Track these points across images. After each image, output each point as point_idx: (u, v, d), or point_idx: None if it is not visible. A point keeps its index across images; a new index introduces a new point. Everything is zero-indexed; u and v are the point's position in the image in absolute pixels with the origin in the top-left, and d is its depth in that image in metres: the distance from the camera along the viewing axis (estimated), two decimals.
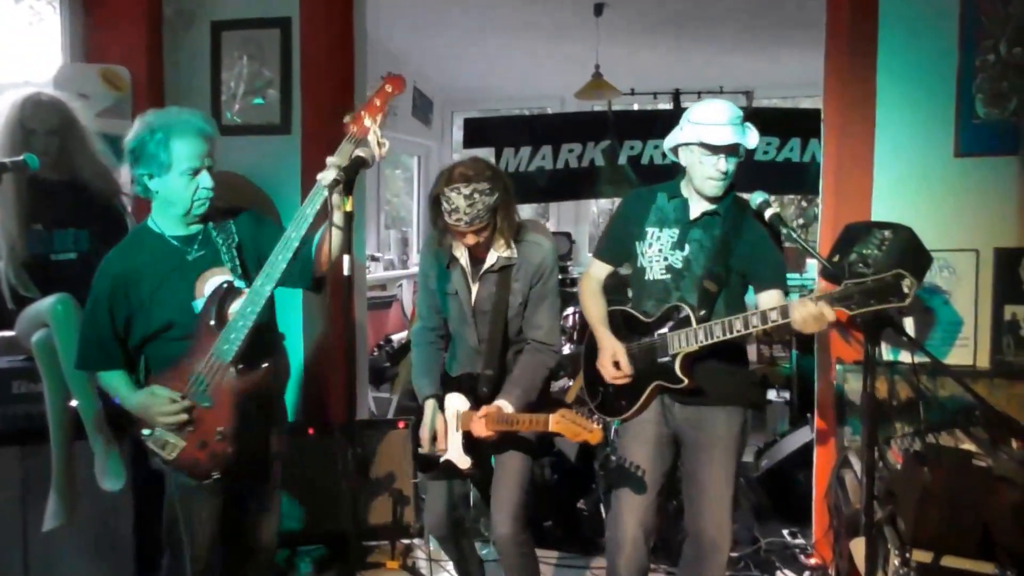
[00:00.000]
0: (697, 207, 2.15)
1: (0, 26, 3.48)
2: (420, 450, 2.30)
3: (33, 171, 2.20)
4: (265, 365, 1.92)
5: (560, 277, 5.00)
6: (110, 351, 2.01)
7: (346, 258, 1.70)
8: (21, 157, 2.16)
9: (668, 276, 2.14)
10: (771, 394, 5.01)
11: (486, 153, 5.49)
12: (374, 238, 5.84)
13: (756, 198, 2.08)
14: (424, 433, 2.25)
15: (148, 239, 2.01)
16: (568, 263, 5.86)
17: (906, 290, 1.66)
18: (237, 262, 1.99)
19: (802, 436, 3.65)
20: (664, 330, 2.09)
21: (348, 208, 1.70)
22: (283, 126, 3.33)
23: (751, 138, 2.05)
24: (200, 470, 1.95)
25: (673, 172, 2.27)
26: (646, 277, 2.18)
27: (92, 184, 2.52)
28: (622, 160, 5.41)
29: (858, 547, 2.01)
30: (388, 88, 1.81)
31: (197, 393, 1.92)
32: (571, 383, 3.86)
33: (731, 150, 2.04)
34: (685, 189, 2.18)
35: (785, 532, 3.27)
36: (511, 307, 2.22)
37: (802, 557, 3.06)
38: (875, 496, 1.98)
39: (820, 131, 3.07)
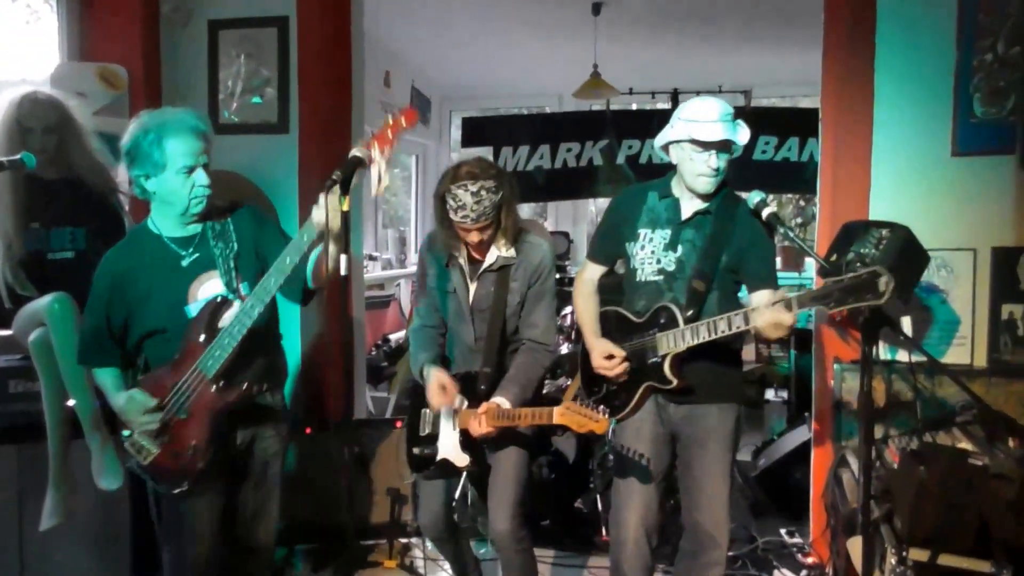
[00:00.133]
0: (688, 207, 2.14)
1: None
2: (415, 450, 2.31)
3: (30, 169, 2.20)
4: (244, 386, 1.94)
5: (558, 276, 5.02)
6: (106, 348, 2.03)
7: (343, 258, 1.70)
8: (18, 155, 2.16)
9: (660, 278, 2.14)
10: (769, 393, 5.02)
11: (484, 152, 5.49)
12: (372, 237, 5.84)
13: (754, 197, 2.08)
14: (433, 389, 2.21)
15: (146, 239, 2.01)
16: (566, 263, 5.86)
17: (882, 288, 1.67)
18: (233, 272, 1.99)
19: (800, 435, 3.65)
20: (653, 331, 2.09)
21: (345, 208, 1.70)
22: (280, 125, 3.33)
23: (742, 135, 2.05)
24: (169, 479, 1.97)
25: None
26: (638, 278, 2.18)
27: (89, 182, 2.52)
28: (620, 159, 5.42)
29: (855, 546, 2.01)
30: (401, 120, 1.79)
31: (176, 404, 1.94)
32: (569, 382, 3.86)
33: (722, 147, 2.04)
34: (676, 188, 2.17)
35: (783, 531, 3.27)
36: (509, 306, 2.23)
37: (799, 556, 3.07)
38: (872, 495, 1.98)
39: (818, 130, 3.08)
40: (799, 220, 8.26)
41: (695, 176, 2.07)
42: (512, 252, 2.21)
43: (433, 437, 2.28)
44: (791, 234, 2.03)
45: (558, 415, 1.94)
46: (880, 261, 2.40)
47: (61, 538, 2.43)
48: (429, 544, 2.93)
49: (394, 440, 3.17)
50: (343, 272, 1.71)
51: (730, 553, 3.05)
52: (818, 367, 3.04)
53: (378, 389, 4.95)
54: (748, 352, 4.97)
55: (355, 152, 1.78)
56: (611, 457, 2.69)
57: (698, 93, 5.65)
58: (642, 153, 5.44)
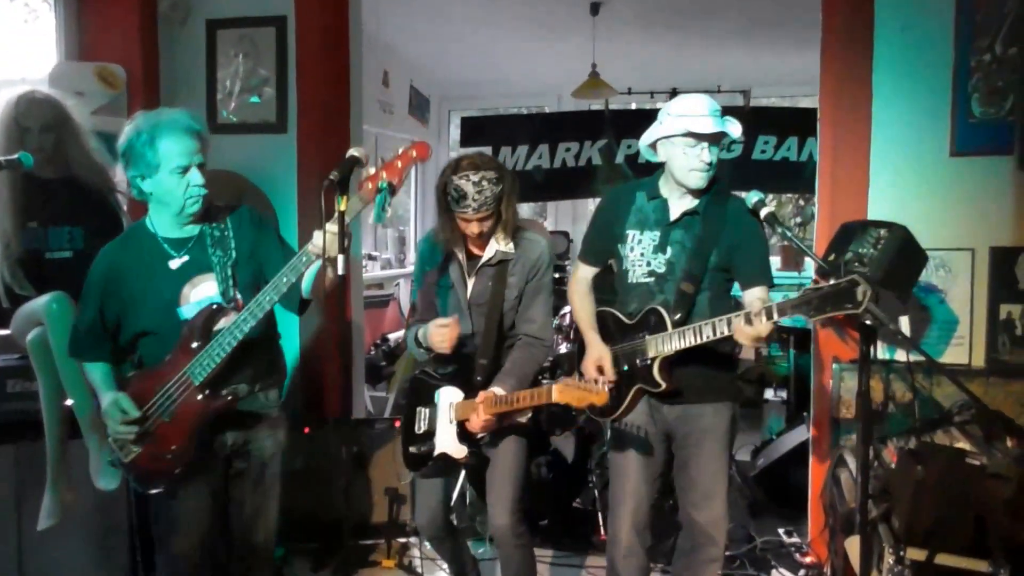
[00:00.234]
0: (677, 207, 2.14)
1: None
2: (411, 448, 2.31)
3: (27, 169, 2.20)
4: (230, 397, 1.95)
5: (558, 276, 5.03)
6: (98, 343, 2.03)
7: (340, 257, 1.70)
8: (15, 155, 2.16)
9: (651, 280, 2.14)
10: (768, 393, 5.02)
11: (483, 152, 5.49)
12: (371, 237, 5.84)
13: (752, 197, 2.08)
14: (433, 330, 2.17)
15: (142, 237, 2.02)
16: (566, 262, 5.86)
17: (860, 297, 1.68)
18: (230, 280, 1.99)
19: (799, 435, 3.66)
20: (643, 334, 2.09)
21: (342, 208, 1.69)
22: (279, 124, 3.33)
23: (735, 128, 2.05)
24: (146, 480, 2.00)
25: None
26: (629, 280, 2.18)
27: (87, 182, 2.52)
28: (619, 159, 5.42)
29: (853, 545, 2.01)
30: (412, 153, 1.79)
31: (161, 406, 1.95)
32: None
33: (715, 140, 2.04)
34: (664, 188, 2.17)
35: (781, 530, 3.27)
36: (506, 300, 2.24)
37: (797, 555, 3.07)
38: (870, 494, 1.98)
39: (817, 130, 3.08)
40: (798, 220, 8.25)
41: (688, 171, 2.06)
42: (511, 247, 2.23)
43: (430, 434, 2.29)
44: (789, 234, 2.03)
45: (557, 392, 1.94)
46: (878, 261, 2.41)
47: (59, 538, 2.43)
48: (427, 544, 2.94)
49: (392, 439, 3.17)
50: (340, 272, 1.71)
51: (729, 553, 3.07)
52: (816, 367, 3.05)
53: (377, 388, 4.96)
54: (748, 351, 4.96)
55: (352, 152, 1.78)
56: (609, 456, 2.69)
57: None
58: (641, 153, 5.45)
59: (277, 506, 2.16)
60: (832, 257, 2.54)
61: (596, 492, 3.29)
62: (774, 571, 3.01)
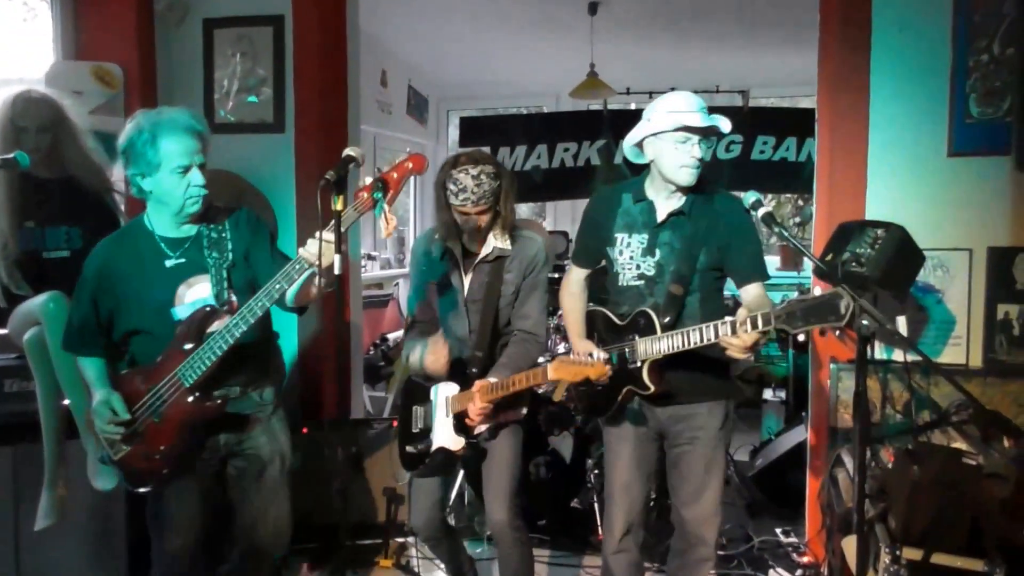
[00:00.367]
0: (663, 208, 2.13)
1: None
2: (408, 448, 2.31)
3: (24, 168, 2.19)
4: (218, 401, 1.96)
5: (557, 276, 5.02)
6: (90, 337, 2.04)
7: (337, 257, 1.70)
8: (11, 154, 2.16)
9: (641, 282, 2.14)
10: (767, 393, 5.02)
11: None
12: (370, 237, 5.84)
13: (749, 197, 2.08)
14: (428, 353, 2.24)
15: (139, 235, 2.02)
16: (565, 262, 5.85)
17: (843, 310, 1.69)
18: (225, 283, 1.99)
19: (797, 435, 3.66)
20: (632, 336, 2.08)
21: (339, 207, 1.70)
22: (276, 124, 3.32)
23: (724, 124, 2.05)
24: (134, 478, 2.01)
25: None
26: (620, 282, 2.18)
27: (84, 181, 2.52)
28: (618, 159, 5.41)
29: (850, 545, 2.01)
30: (408, 165, 1.79)
31: (152, 406, 1.96)
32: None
33: (703, 136, 2.04)
34: (650, 190, 2.16)
35: (778, 530, 3.27)
36: (503, 296, 2.26)
37: (795, 555, 3.07)
38: (867, 494, 1.98)
39: (815, 130, 3.08)
40: (797, 220, 8.25)
41: (678, 167, 2.05)
42: (508, 244, 2.25)
43: (426, 431, 2.30)
44: (786, 234, 2.02)
45: (552, 370, 1.94)
46: (876, 261, 2.41)
47: (56, 538, 2.43)
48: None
49: (390, 440, 3.17)
50: (337, 271, 1.71)
51: (726, 552, 3.07)
52: (814, 367, 3.05)
53: (376, 389, 4.95)
54: None
55: (349, 152, 1.78)
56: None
57: (695, 93, 5.69)
58: (625, 153, 5.45)
59: (287, 507, 2.15)
60: (830, 257, 2.54)
61: (595, 492, 3.29)
62: (771, 571, 3.01)
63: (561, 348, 4.04)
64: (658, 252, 2.12)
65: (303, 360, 3.38)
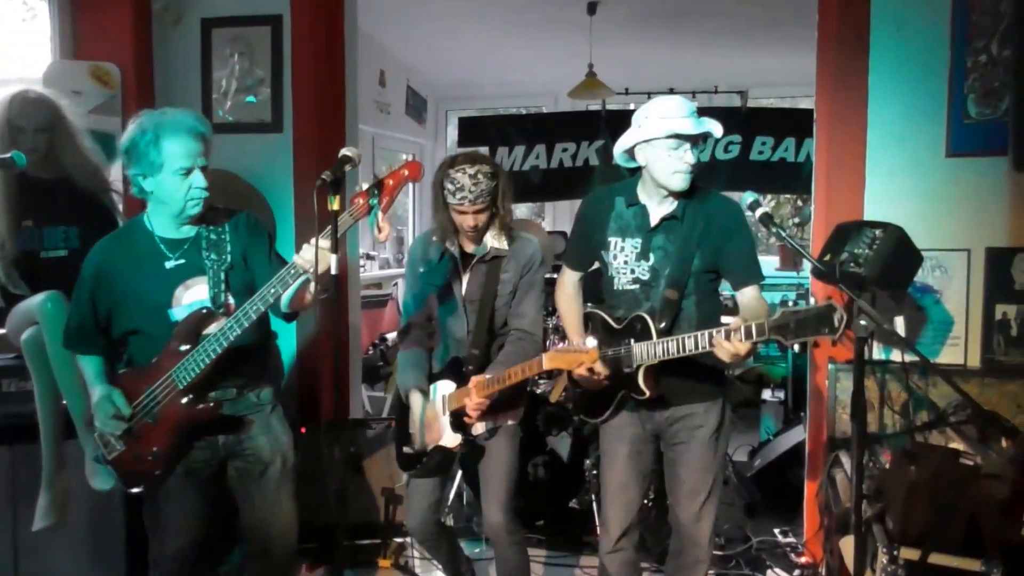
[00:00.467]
0: (656, 212, 2.12)
1: None
2: (404, 449, 2.31)
3: (21, 168, 2.19)
4: (212, 404, 1.96)
5: (556, 276, 5.01)
6: (88, 336, 2.04)
7: (333, 257, 1.70)
8: (8, 154, 2.16)
9: (636, 287, 2.14)
10: (766, 393, 5.02)
11: (480, 152, 5.49)
12: (369, 236, 5.84)
13: (747, 198, 2.08)
14: (414, 422, 2.26)
15: (138, 235, 2.02)
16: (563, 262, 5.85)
17: (836, 323, 1.70)
18: (222, 285, 1.99)
19: (795, 435, 3.66)
20: (629, 340, 2.08)
21: (335, 207, 1.70)
22: (274, 124, 3.32)
23: (716, 128, 2.04)
24: (127, 478, 2.02)
25: None
26: (615, 286, 2.18)
27: (82, 181, 2.52)
28: (616, 160, 5.41)
29: (847, 545, 2.01)
30: (404, 172, 1.80)
31: (146, 407, 1.96)
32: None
33: (695, 142, 2.04)
34: (642, 194, 2.15)
35: (776, 531, 3.28)
36: (500, 296, 2.27)
37: (793, 555, 3.07)
38: (865, 494, 1.98)
39: (813, 131, 3.08)
40: (796, 220, 8.25)
41: (671, 174, 2.04)
42: (504, 244, 2.27)
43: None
44: (783, 234, 2.02)
45: (547, 360, 1.95)
46: (873, 261, 2.41)
47: (54, 539, 2.43)
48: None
49: (389, 440, 3.17)
50: (332, 271, 1.71)
51: (725, 552, 3.08)
52: (813, 367, 3.05)
53: (375, 389, 4.95)
54: None
55: (345, 152, 1.79)
56: None
57: (694, 94, 5.70)
58: (615, 158, 5.44)
59: (291, 506, 2.15)
60: (827, 257, 2.54)
61: (593, 493, 3.29)
62: (769, 571, 3.01)
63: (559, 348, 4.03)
64: (652, 256, 2.12)
65: (301, 360, 3.38)
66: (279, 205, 3.25)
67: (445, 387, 2.27)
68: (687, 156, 2.03)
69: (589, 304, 2.38)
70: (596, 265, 2.28)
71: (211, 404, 1.96)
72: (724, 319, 2.30)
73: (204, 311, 1.95)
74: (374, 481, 3.18)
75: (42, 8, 3.38)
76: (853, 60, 2.85)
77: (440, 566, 2.63)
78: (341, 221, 1.77)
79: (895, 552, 1.86)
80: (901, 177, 2.85)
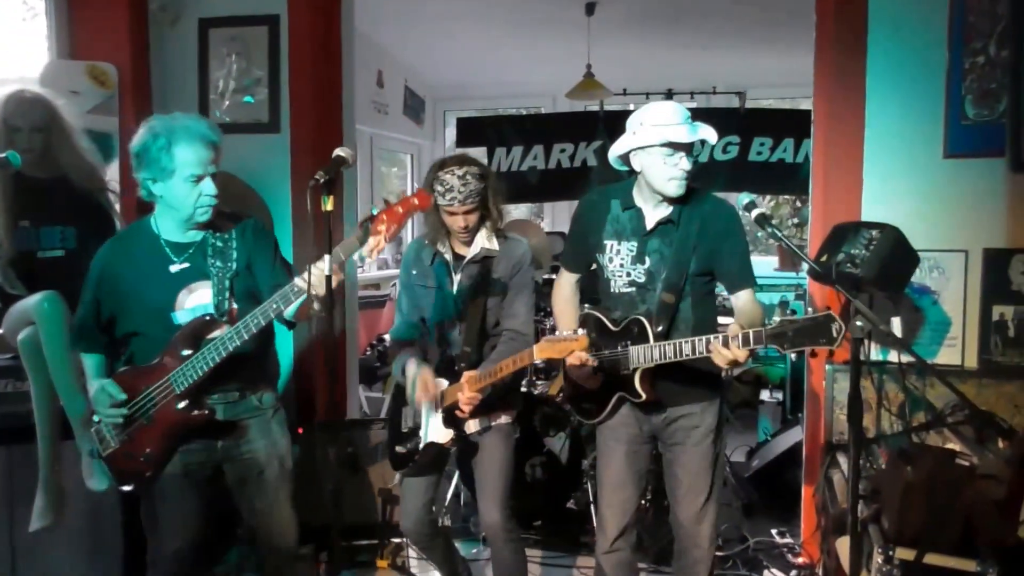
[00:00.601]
0: (652, 216, 2.13)
1: None
2: (397, 448, 2.32)
3: (15, 168, 2.20)
4: (206, 411, 1.97)
5: (554, 277, 5.01)
6: (90, 334, 2.06)
7: (327, 257, 1.70)
8: (3, 154, 2.16)
9: (633, 289, 2.15)
10: (764, 394, 5.03)
11: (478, 152, 5.50)
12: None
13: (743, 199, 2.08)
14: (417, 385, 2.25)
15: (145, 237, 2.02)
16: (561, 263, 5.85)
17: (835, 334, 1.72)
18: (227, 292, 1.99)
19: (793, 436, 3.66)
20: (625, 343, 2.09)
21: (329, 207, 1.70)
22: (272, 124, 3.32)
23: (710, 135, 2.05)
24: (119, 476, 2.03)
25: None
26: (612, 289, 2.19)
27: (78, 181, 2.52)
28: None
29: (843, 545, 2.01)
30: (414, 201, 1.80)
31: (143, 408, 1.97)
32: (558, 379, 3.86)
33: (689, 149, 2.04)
34: (638, 197, 2.15)
35: (774, 531, 3.28)
36: (491, 296, 2.30)
37: (790, 556, 3.07)
38: (861, 495, 1.98)
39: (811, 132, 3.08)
40: (795, 221, 8.26)
41: (666, 180, 2.05)
42: (495, 244, 2.30)
43: (416, 429, 2.32)
44: (779, 235, 2.02)
45: (538, 351, 1.97)
46: (870, 262, 2.41)
47: (51, 539, 2.42)
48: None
49: (386, 440, 3.17)
50: (326, 272, 1.71)
51: (722, 553, 3.07)
52: (809, 368, 3.05)
53: (373, 389, 4.95)
54: None
55: (339, 152, 1.79)
56: None
57: (692, 94, 5.70)
58: (610, 163, 5.44)
59: (289, 507, 2.16)
60: (824, 258, 2.54)
61: (591, 494, 3.29)
62: (766, 571, 3.02)
63: None
64: (648, 260, 2.13)
65: (299, 361, 3.38)
66: (276, 205, 3.25)
67: (439, 385, 2.28)
68: (682, 163, 2.03)
69: (586, 305, 2.39)
70: (594, 267, 2.29)
71: (206, 411, 1.97)
72: (720, 320, 2.31)
73: (207, 318, 1.96)
74: (371, 482, 3.18)
75: (42, 8, 3.37)
76: (851, 61, 2.85)
77: (436, 567, 2.62)
78: (347, 246, 1.79)
79: (891, 552, 1.86)
80: (898, 178, 2.85)
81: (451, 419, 2.24)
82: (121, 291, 1.99)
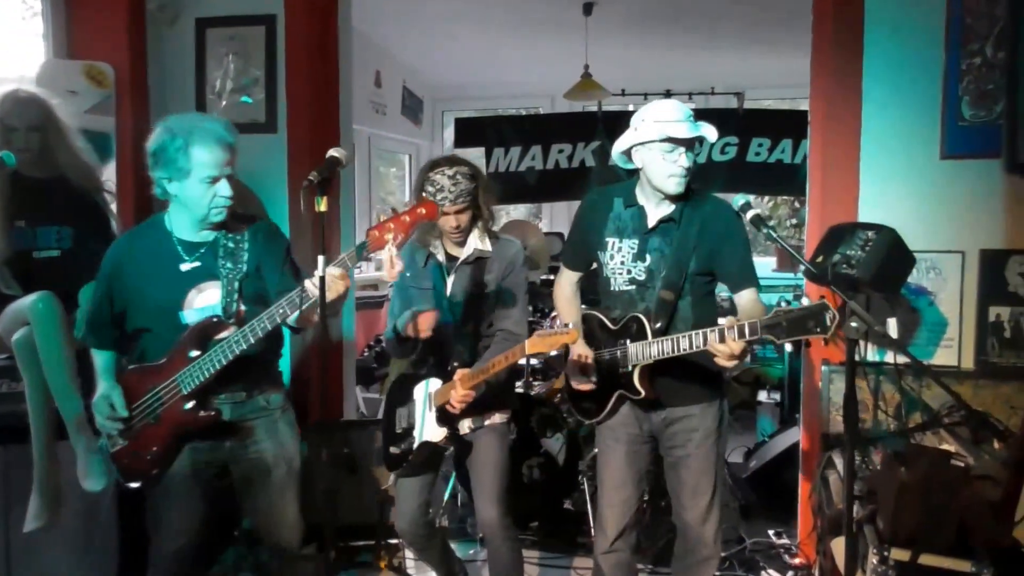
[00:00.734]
0: (654, 214, 2.14)
1: None
2: (391, 449, 2.32)
3: (11, 168, 2.20)
4: (212, 412, 1.98)
5: (552, 277, 5.01)
6: (101, 330, 2.07)
7: (321, 258, 1.70)
8: None
9: (633, 287, 2.15)
10: (762, 395, 5.03)
11: (476, 152, 5.50)
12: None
13: (738, 200, 2.09)
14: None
15: (157, 234, 2.03)
16: (560, 263, 5.85)
17: (828, 322, 1.72)
18: (235, 294, 1.99)
19: (791, 436, 3.66)
20: (624, 341, 2.10)
21: (322, 208, 1.70)
22: (268, 124, 3.31)
23: (710, 133, 2.06)
24: (125, 473, 2.04)
25: None
26: (612, 287, 2.19)
27: (75, 181, 2.52)
28: (612, 161, 5.40)
29: (839, 546, 2.01)
30: (421, 211, 1.81)
31: (150, 407, 1.98)
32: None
33: (690, 145, 2.05)
34: (640, 195, 2.17)
35: (771, 532, 3.27)
36: (484, 296, 2.31)
37: (787, 557, 3.07)
38: (856, 496, 1.98)
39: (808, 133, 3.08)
40: (793, 221, 8.27)
41: (666, 177, 2.06)
42: (488, 245, 2.32)
43: (409, 429, 2.32)
44: (775, 236, 2.03)
45: (530, 345, 1.98)
46: (866, 263, 2.41)
47: (46, 540, 2.42)
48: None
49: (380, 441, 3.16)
50: (319, 274, 1.71)
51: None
52: (807, 369, 3.05)
53: (370, 390, 4.95)
54: None
55: (333, 153, 1.79)
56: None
57: (691, 95, 5.70)
58: (614, 159, 5.45)
59: (295, 508, 2.16)
60: (820, 259, 2.54)
61: (588, 495, 3.29)
62: (763, 572, 3.02)
63: (553, 352, 4.03)
64: (648, 257, 2.13)
65: (296, 361, 3.37)
66: (273, 206, 3.25)
67: (431, 385, 2.29)
68: (681, 160, 2.04)
69: (584, 306, 2.39)
70: (594, 266, 2.29)
71: (211, 412, 1.98)
72: (720, 321, 2.31)
73: (215, 319, 1.96)
74: (367, 483, 3.17)
75: (41, 7, 3.37)
76: (848, 62, 2.86)
77: (432, 568, 2.62)
78: (352, 256, 1.80)
79: (886, 553, 1.87)
80: (896, 179, 2.85)
81: (445, 417, 2.24)
82: (131, 286, 2.01)
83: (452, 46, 5.68)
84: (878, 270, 2.41)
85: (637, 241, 2.14)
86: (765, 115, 5.87)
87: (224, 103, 3.36)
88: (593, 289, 2.33)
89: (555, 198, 6.35)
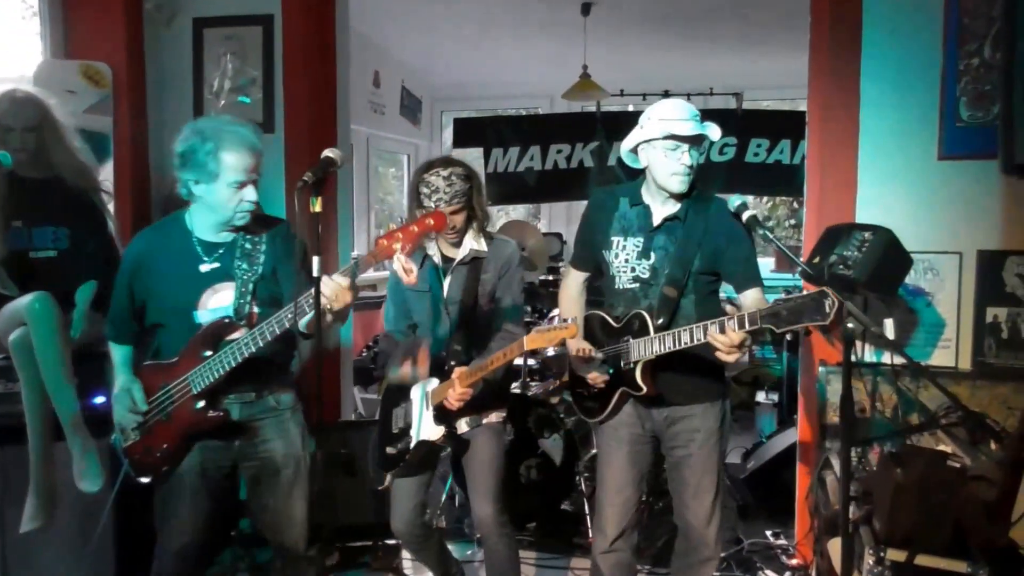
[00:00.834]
0: (659, 213, 2.15)
1: None
2: (388, 449, 2.32)
3: (7, 168, 2.19)
4: (221, 412, 1.99)
5: (551, 278, 5.02)
6: (122, 325, 2.10)
7: (316, 259, 1.70)
8: None
9: (636, 285, 2.16)
10: (760, 395, 5.03)
11: (475, 153, 5.50)
12: (364, 237, 5.83)
13: (734, 201, 2.10)
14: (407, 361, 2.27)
15: (178, 232, 2.04)
16: (560, 263, 5.86)
17: (827, 309, 1.71)
18: (249, 296, 2.00)
19: (789, 437, 3.66)
20: (627, 338, 2.11)
21: (317, 209, 1.70)
22: (266, 124, 3.31)
23: (713, 131, 2.08)
24: (137, 468, 2.07)
25: None
26: (616, 285, 2.20)
27: (71, 181, 2.52)
28: (611, 161, 5.41)
29: (835, 546, 2.01)
30: (429, 221, 1.81)
31: (161, 404, 2.01)
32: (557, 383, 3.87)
33: (695, 142, 2.07)
34: (646, 194, 2.19)
35: (768, 533, 3.27)
36: (481, 296, 2.32)
37: (784, 557, 3.07)
38: (852, 496, 1.98)
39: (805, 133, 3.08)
40: (792, 222, 8.29)
41: (669, 175, 2.08)
42: (483, 245, 2.33)
43: (406, 429, 2.32)
44: (771, 237, 2.04)
45: (529, 341, 1.98)
46: (863, 264, 2.41)
47: (42, 541, 2.42)
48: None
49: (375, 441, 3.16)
50: (315, 274, 1.71)
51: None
52: (804, 370, 3.05)
53: (368, 391, 4.94)
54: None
55: (327, 153, 1.80)
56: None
57: (689, 95, 5.69)
58: (622, 158, 5.45)
59: (303, 508, 2.15)
60: (817, 260, 2.54)
61: (585, 496, 3.29)
62: (760, 573, 3.01)
63: (550, 351, 4.03)
64: (653, 255, 2.14)
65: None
66: (270, 206, 3.23)
67: (428, 384, 2.29)
68: (684, 158, 2.06)
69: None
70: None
71: (221, 412, 1.99)
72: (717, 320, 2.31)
73: (226, 320, 1.97)
74: (365, 483, 3.17)
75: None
76: (845, 63, 2.86)
77: (429, 568, 2.62)
78: (363, 262, 1.80)
79: (882, 554, 1.87)
80: (893, 180, 2.85)
81: (442, 416, 2.24)
82: (151, 282, 2.03)
83: (451, 46, 5.69)
84: (874, 271, 2.41)
85: (642, 239, 2.16)
86: (764, 116, 5.86)
87: (222, 103, 3.36)
88: (597, 291, 2.34)
89: (554, 198, 6.35)
